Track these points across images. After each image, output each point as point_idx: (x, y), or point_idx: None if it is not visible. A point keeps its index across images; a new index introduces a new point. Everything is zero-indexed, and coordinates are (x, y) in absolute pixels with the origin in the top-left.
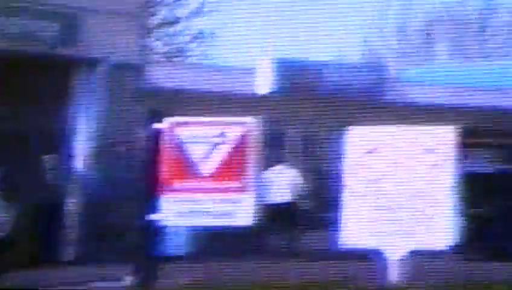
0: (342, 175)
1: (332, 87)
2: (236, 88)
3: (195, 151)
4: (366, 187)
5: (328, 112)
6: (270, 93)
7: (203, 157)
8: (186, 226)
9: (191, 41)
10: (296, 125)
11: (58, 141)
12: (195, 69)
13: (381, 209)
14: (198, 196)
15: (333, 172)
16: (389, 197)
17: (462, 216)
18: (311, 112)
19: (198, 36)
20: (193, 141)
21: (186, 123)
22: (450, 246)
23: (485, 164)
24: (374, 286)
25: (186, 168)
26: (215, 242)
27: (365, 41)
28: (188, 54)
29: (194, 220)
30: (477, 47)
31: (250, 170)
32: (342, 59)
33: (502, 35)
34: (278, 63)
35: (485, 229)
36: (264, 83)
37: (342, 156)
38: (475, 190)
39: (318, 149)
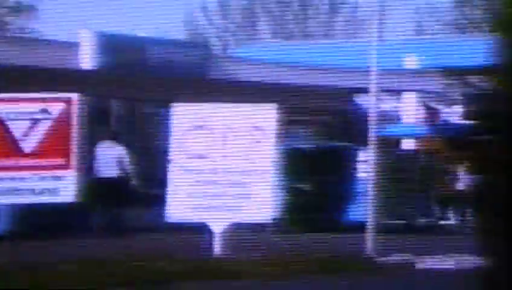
0: (168, 151)
1: (159, 64)
2: (60, 63)
3: (16, 128)
4: (192, 163)
5: (155, 88)
6: (95, 68)
7: (25, 134)
8: (7, 204)
9: (9, 14)
10: (123, 101)
11: None
12: (16, 43)
13: (207, 184)
14: (22, 173)
15: (160, 148)
16: (214, 172)
17: (284, 190)
18: (137, 88)
19: (17, 9)
20: (13, 118)
21: (5, 99)
22: (272, 219)
23: (307, 141)
24: (199, 258)
25: (7, 145)
26: (40, 220)
27: (192, 18)
28: (7, 27)
29: (16, 198)
30: (300, 26)
31: (75, 146)
32: (168, 36)
33: (324, 16)
34: (102, 38)
35: (305, 202)
36: (88, 58)
37: (168, 132)
38: (297, 165)
39: (145, 125)
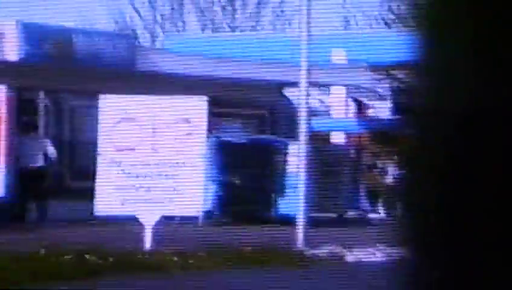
0: (96, 143)
1: (87, 55)
2: None
3: None
4: (121, 155)
5: (82, 80)
6: (20, 59)
7: None
8: None
9: None
10: (50, 93)
11: None
12: None
13: (136, 177)
14: None
15: (87, 140)
16: (143, 165)
17: (214, 183)
18: (64, 79)
19: None
20: None
21: None
22: (203, 212)
23: (236, 134)
24: (128, 251)
25: None
26: None
27: (118, 9)
28: None
29: None
30: (229, 19)
31: (4, 140)
32: (94, 26)
33: (250, 9)
34: (26, 28)
35: (236, 195)
36: (12, 49)
37: (96, 124)
38: (227, 158)
39: (72, 117)
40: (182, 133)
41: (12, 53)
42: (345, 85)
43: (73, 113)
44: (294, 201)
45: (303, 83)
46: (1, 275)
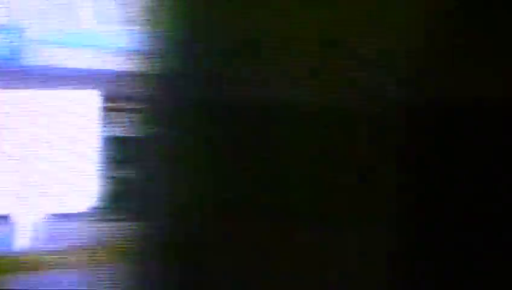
0: None
1: None
2: None
3: None
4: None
5: None
6: None
7: None
8: None
9: None
10: None
11: None
12: None
13: (18, 173)
14: None
15: None
16: (27, 161)
17: (104, 179)
18: None
19: None
20: None
21: None
22: (90, 208)
23: (126, 128)
24: (8, 251)
25: None
26: None
27: (3, 1)
28: None
29: None
30: (116, 11)
31: None
32: None
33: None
34: None
35: (126, 191)
36: None
37: None
38: (118, 153)
39: None
40: (70, 128)
41: None
42: None
43: None
44: None
45: None
46: None
